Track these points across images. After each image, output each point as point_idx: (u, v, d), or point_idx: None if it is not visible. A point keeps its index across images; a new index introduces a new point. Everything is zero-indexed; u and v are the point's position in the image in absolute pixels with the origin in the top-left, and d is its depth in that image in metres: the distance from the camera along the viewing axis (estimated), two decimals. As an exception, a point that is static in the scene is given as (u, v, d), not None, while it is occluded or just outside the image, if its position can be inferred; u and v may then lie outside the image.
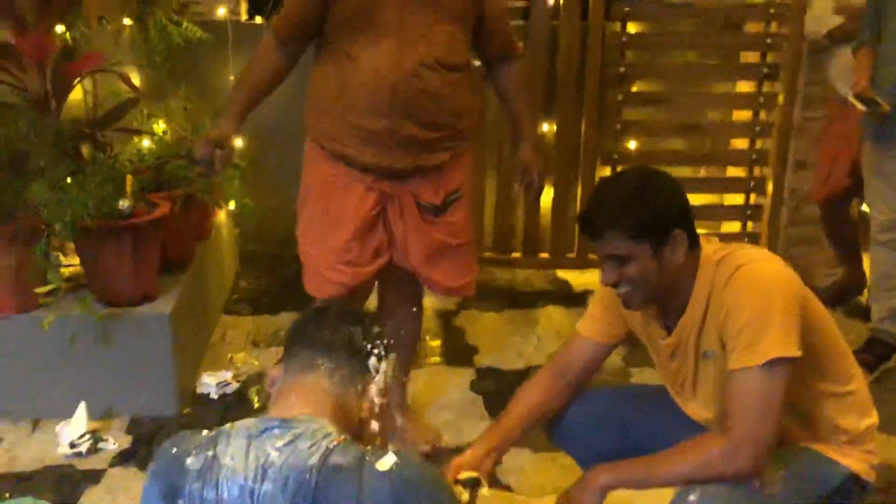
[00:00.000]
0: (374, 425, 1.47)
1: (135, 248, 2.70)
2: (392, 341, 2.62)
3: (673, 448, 1.71)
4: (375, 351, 1.46)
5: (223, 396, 2.97)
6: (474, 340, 3.53)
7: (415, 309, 2.64)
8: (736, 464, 1.62)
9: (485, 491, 1.84)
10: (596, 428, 2.00)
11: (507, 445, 1.98)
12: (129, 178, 2.78)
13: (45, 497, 2.31)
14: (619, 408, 2.03)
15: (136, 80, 3.45)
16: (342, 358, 1.42)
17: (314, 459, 1.25)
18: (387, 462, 1.27)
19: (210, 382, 2.98)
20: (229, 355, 3.27)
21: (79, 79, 3.03)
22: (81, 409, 2.66)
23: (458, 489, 1.79)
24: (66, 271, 2.80)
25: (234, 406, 2.92)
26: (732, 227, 4.18)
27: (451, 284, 2.45)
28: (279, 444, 1.27)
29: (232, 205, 3.67)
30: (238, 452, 1.27)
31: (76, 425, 2.63)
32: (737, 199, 4.16)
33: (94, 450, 2.60)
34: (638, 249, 1.69)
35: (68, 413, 2.65)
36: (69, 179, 2.52)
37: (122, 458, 2.59)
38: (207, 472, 1.27)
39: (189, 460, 1.29)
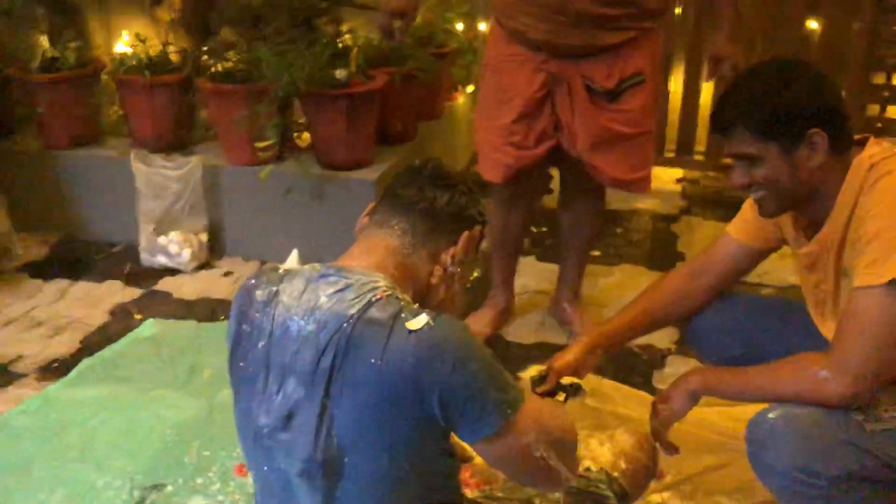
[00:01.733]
0: (441, 293, 1.47)
1: (349, 117, 2.93)
2: (570, 232, 2.63)
3: (773, 363, 1.56)
4: (458, 220, 1.45)
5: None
6: (685, 248, 3.37)
7: (594, 202, 2.59)
8: (833, 388, 1.44)
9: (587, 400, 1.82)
10: (728, 334, 1.88)
11: (621, 343, 1.93)
12: (354, 51, 3.00)
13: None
14: (756, 318, 1.87)
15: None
16: (419, 220, 1.43)
17: (354, 310, 1.30)
18: (418, 322, 1.28)
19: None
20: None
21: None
22: (294, 255, 3.00)
23: (559, 395, 1.78)
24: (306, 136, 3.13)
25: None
26: None
27: (621, 176, 2.35)
28: (330, 290, 1.34)
29: (470, 89, 3.78)
30: (295, 292, 1.36)
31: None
32: None
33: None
34: (767, 149, 1.53)
35: (286, 258, 3.01)
36: (293, 47, 2.77)
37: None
38: (268, 304, 1.38)
39: (258, 292, 1.41)
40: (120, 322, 2.80)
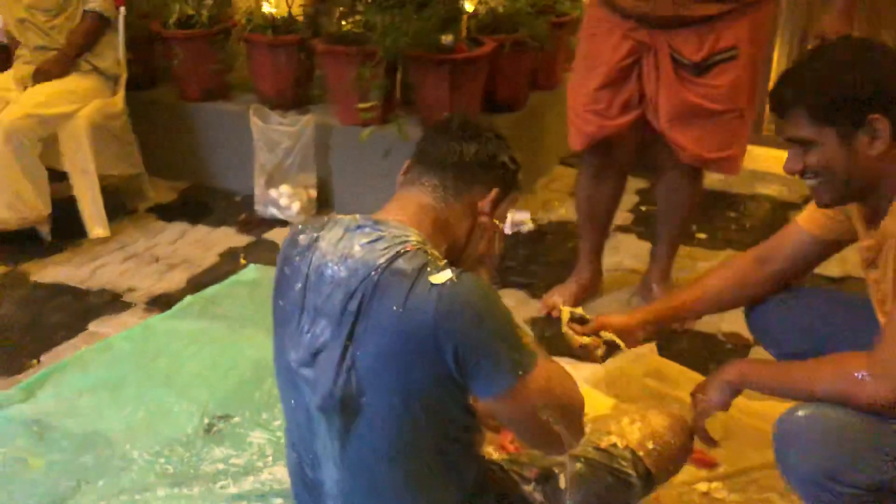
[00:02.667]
0: (478, 246, 1.52)
1: (452, 82, 2.97)
2: (664, 211, 2.55)
3: (815, 359, 1.48)
4: (489, 169, 1.46)
5: (516, 234, 3.19)
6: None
7: (690, 182, 2.49)
8: (871, 390, 1.35)
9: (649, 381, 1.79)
10: (791, 329, 1.79)
11: (671, 322, 1.88)
12: (464, 17, 3.03)
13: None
14: (823, 314, 1.77)
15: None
16: (449, 175, 1.45)
17: (382, 259, 1.34)
18: (442, 276, 1.31)
19: (507, 219, 3.18)
20: (546, 200, 3.44)
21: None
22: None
23: (598, 342, 1.77)
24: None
25: (523, 243, 3.12)
26: None
27: (704, 154, 2.25)
28: (364, 241, 1.39)
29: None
30: (333, 239, 1.42)
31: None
32: None
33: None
34: (823, 134, 1.43)
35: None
36: (400, 10, 2.83)
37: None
38: (308, 249, 1.45)
39: (301, 237, 1.48)
40: (227, 265, 3.00)
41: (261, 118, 3.27)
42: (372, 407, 1.38)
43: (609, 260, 2.87)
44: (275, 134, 3.24)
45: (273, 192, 3.26)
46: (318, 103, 3.44)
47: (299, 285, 1.45)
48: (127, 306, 2.73)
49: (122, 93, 3.24)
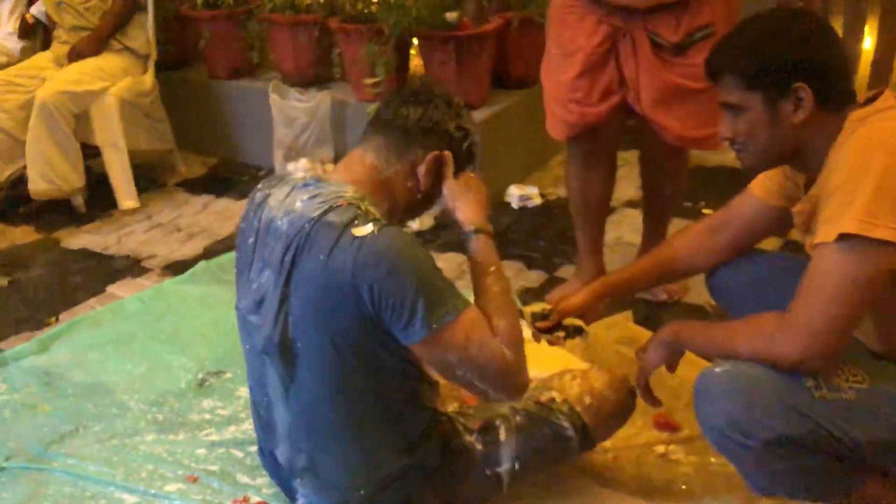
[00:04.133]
0: (417, 207, 1.62)
1: (459, 58, 3.04)
2: (650, 191, 2.54)
3: (739, 320, 1.52)
4: (431, 135, 1.54)
5: (522, 209, 3.24)
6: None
7: (674, 162, 2.46)
8: (782, 348, 1.39)
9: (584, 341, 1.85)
10: (748, 294, 1.81)
11: (628, 292, 1.93)
12: (472, -6, 3.09)
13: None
14: (775, 279, 1.78)
15: None
16: (392, 137, 1.55)
17: (315, 213, 1.45)
18: (365, 229, 1.41)
19: (514, 193, 3.25)
20: (558, 175, 3.48)
21: None
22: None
23: (559, 332, 1.83)
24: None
25: (528, 217, 3.17)
26: None
27: (689, 134, 2.24)
28: (305, 196, 1.50)
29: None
30: (280, 196, 1.54)
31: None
32: None
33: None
34: (750, 100, 1.47)
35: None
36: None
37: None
38: (260, 205, 1.58)
39: (257, 195, 1.61)
40: (243, 235, 3.15)
41: (279, 95, 3.40)
42: (307, 351, 1.49)
43: (610, 235, 2.89)
44: (291, 110, 3.37)
45: (291, 166, 3.39)
46: (338, 80, 3.56)
47: (251, 239, 1.57)
48: (145, 271, 2.90)
49: (151, 71, 3.42)
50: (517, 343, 1.50)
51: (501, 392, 1.49)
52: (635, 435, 1.97)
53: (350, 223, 1.42)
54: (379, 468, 1.56)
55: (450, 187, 1.59)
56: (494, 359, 1.45)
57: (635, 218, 3.15)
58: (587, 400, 1.68)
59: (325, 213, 1.45)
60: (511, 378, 1.48)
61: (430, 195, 1.61)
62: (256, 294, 1.54)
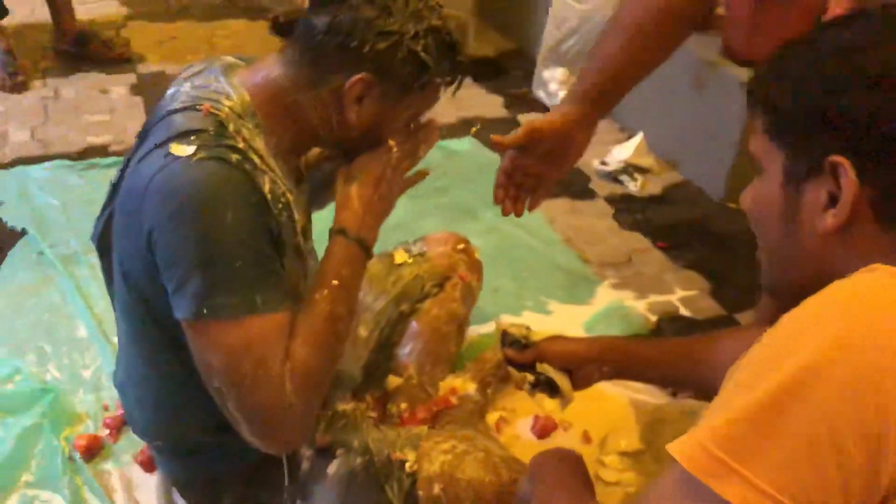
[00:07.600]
0: (353, 149, 1.19)
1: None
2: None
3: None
4: (343, 53, 1.10)
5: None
6: None
7: None
8: None
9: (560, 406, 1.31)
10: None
11: (638, 373, 1.31)
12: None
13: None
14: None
15: None
16: (306, 52, 1.13)
17: (176, 105, 1.14)
18: (183, 150, 1.05)
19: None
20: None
21: None
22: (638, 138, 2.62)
23: (528, 376, 1.31)
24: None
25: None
26: None
27: None
28: (198, 83, 1.17)
29: None
30: (184, 85, 1.19)
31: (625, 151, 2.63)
32: None
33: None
34: (770, 154, 0.82)
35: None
36: None
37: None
38: (172, 97, 1.20)
39: (169, 91, 1.24)
40: (462, 130, 2.87)
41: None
42: (113, 269, 1.24)
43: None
44: (568, 9, 2.88)
45: (546, 73, 2.96)
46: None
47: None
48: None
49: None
50: (310, 386, 1.08)
51: (255, 436, 1.09)
52: None
53: (184, 134, 1.07)
54: (175, 432, 1.29)
55: (359, 160, 1.17)
56: (267, 389, 1.05)
57: None
58: (436, 489, 1.20)
59: (179, 111, 1.12)
60: (275, 425, 1.07)
61: (374, 132, 1.16)
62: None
